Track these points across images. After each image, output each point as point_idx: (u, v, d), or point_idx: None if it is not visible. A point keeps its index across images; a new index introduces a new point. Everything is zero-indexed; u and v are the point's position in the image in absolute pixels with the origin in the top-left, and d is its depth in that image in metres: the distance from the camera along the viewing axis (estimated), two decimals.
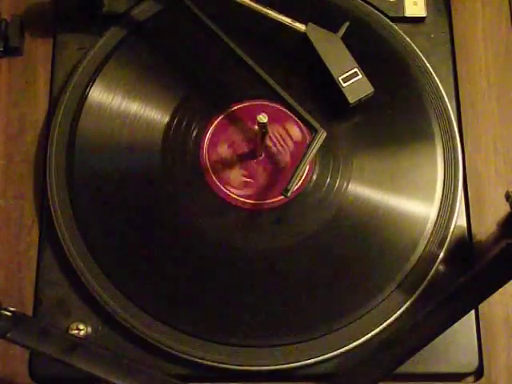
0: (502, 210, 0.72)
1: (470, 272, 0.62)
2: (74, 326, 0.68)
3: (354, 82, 0.73)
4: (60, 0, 0.78)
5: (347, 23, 0.75)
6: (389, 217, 0.71)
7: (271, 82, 0.71)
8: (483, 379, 0.68)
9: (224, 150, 0.73)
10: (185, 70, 0.76)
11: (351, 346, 0.67)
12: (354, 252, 0.70)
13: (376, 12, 0.78)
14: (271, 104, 0.75)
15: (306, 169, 0.71)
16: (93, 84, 0.75)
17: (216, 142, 0.74)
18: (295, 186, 0.68)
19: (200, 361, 0.67)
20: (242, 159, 0.73)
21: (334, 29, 0.75)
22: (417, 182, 0.72)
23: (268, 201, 0.71)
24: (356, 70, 0.73)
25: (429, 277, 0.69)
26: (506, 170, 0.74)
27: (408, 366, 0.65)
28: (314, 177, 0.72)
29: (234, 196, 0.71)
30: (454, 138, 0.74)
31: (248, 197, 0.72)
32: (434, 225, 0.71)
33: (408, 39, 0.77)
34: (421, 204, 0.71)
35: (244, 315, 0.68)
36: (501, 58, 0.78)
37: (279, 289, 0.69)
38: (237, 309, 0.68)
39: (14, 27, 0.77)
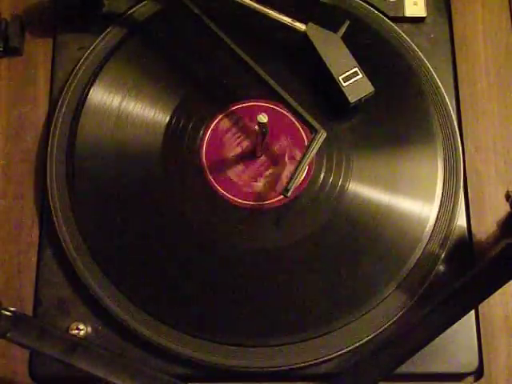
0: (502, 210, 0.72)
1: (470, 272, 0.62)
2: (73, 326, 0.68)
3: (354, 82, 0.73)
4: (60, 0, 0.78)
5: (347, 23, 0.75)
6: (389, 217, 0.71)
7: (271, 82, 0.71)
8: (483, 379, 0.68)
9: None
10: (185, 69, 0.76)
11: (351, 346, 0.67)
12: (354, 252, 0.70)
13: (376, 12, 0.78)
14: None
15: (305, 169, 0.71)
16: (93, 84, 0.75)
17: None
18: (295, 185, 0.68)
19: (200, 361, 0.67)
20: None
21: (334, 29, 0.75)
22: (417, 181, 0.72)
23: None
24: (356, 69, 0.73)
25: (429, 277, 0.69)
26: (506, 170, 0.74)
27: (408, 366, 0.65)
28: (314, 177, 0.72)
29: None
30: (454, 138, 0.74)
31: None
32: (434, 225, 0.71)
33: (408, 39, 0.77)
34: (421, 204, 0.71)
35: (244, 315, 0.68)
36: (501, 58, 0.78)
37: (279, 289, 0.69)
38: (237, 309, 0.68)
39: (14, 27, 0.77)
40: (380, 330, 0.67)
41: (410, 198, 0.72)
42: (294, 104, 0.70)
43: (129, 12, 0.78)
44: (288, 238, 0.70)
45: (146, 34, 0.77)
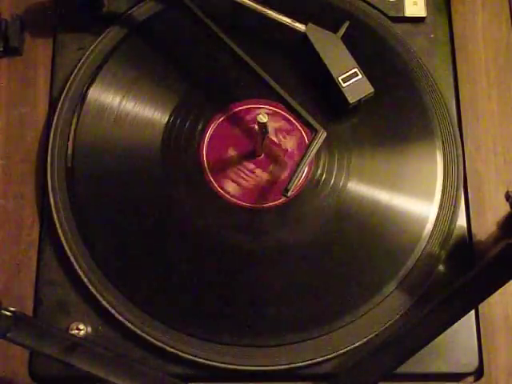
0: (502, 210, 0.72)
1: (470, 272, 0.62)
2: (73, 326, 0.68)
3: (353, 82, 0.73)
4: (60, 0, 0.78)
5: (347, 23, 0.75)
6: (389, 217, 0.71)
7: (271, 81, 0.71)
8: (483, 379, 0.68)
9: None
10: (185, 70, 0.76)
11: (351, 346, 0.67)
12: (354, 252, 0.70)
13: (376, 12, 0.78)
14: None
15: (305, 169, 0.71)
16: (93, 84, 0.75)
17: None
18: (295, 185, 0.68)
19: (200, 361, 0.67)
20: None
21: (333, 29, 0.75)
22: (417, 181, 0.72)
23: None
24: (356, 70, 0.73)
25: (429, 277, 0.69)
26: (506, 170, 0.74)
27: (408, 366, 0.65)
28: (314, 177, 0.72)
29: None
30: (454, 137, 0.74)
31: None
32: (434, 225, 0.71)
33: (408, 39, 0.77)
34: (421, 204, 0.71)
35: (244, 315, 0.68)
36: (501, 58, 0.78)
37: (279, 289, 0.69)
38: (237, 309, 0.68)
39: (14, 27, 0.77)
40: (380, 330, 0.67)
41: (410, 198, 0.72)
42: (294, 104, 0.70)
43: (129, 12, 0.78)
44: (288, 238, 0.70)
45: (146, 34, 0.77)
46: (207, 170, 0.72)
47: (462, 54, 0.78)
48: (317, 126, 0.69)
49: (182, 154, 0.73)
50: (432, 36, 0.78)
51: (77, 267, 0.69)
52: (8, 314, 0.60)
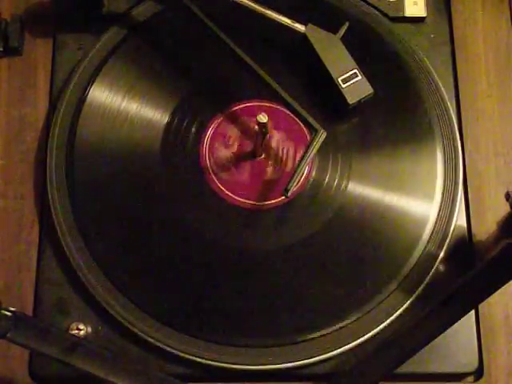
0: (502, 210, 0.72)
1: (470, 272, 0.62)
2: (73, 326, 0.68)
3: (353, 83, 0.73)
4: (60, 0, 0.78)
5: (347, 24, 0.75)
6: (389, 217, 0.71)
7: (271, 82, 0.71)
8: (483, 379, 0.68)
9: (224, 150, 0.73)
10: (185, 70, 0.76)
11: (351, 346, 0.67)
12: (354, 252, 0.70)
13: (376, 12, 0.78)
14: (271, 104, 0.75)
15: (305, 169, 0.71)
16: (93, 84, 0.75)
17: (216, 142, 0.74)
18: (295, 186, 0.68)
19: (200, 361, 0.67)
20: (242, 159, 0.73)
21: (333, 29, 0.75)
22: (417, 182, 0.72)
23: (268, 201, 0.71)
24: (355, 70, 0.73)
25: (429, 277, 0.69)
26: (506, 170, 0.74)
27: (408, 366, 0.65)
28: (314, 177, 0.72)
29: (234, 196, 0.71)
30: (454, 137, 0.74)
31: (248, 197, 0.72)
32: (434, 225, 0.71)
33: (408, 39, 0.77)
34: (421, 204, 0.71)
35: (244, 315, 0.68)
36: (501, 58, 0.78)
37: (279, 289, 0.69)
38: (236, 309, 0.68)
39: (14, 27, 0.77)
40: (380, 330, 0.67)
41: (410, 198, 0.72)
42: (294, 104, 0.70)
43: (129, 12, 0.78)
44: (288, 238, 0.70)
45: (146, 34, 0.77)
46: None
47: (462, 53, 0.78)
48: (317, 125, 0.69)
49: (183, 154, 0.73)
50: (432, 36, 0.78)
51: (77, 267, 0.69)
52: (8, 313, 0.60)
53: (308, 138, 0.73)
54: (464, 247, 0.71)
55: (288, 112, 0.73)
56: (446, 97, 0.75)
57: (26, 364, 0.68)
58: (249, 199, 0.71)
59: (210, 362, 0.66)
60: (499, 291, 0.60)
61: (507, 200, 0.67)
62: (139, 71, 0.76)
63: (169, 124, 0.74)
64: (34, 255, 0.71)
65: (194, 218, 0.71)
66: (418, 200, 0.72)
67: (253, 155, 0.73)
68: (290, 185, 0.67)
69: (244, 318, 0.68)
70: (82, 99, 0.74)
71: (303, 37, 0.74)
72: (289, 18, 0.74)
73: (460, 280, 0.62)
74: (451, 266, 0.70)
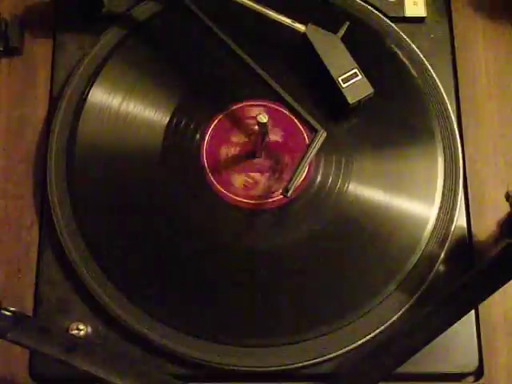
0: (502, 210, 0.72)
1: (470, 272, 0.62)
2: (73, 326, 0.68)
3: (353, 83, 0.73)
4: (60, 0, 0.78)
5: (347, 23, 0.75)
6: (389, 217, 0.71)
7: (271, 81, 0.71)
8: (483, 379, 0.68)
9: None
10: (185, 69, 0.76)
11: (351, 346, 0.67)
12: (354, 252, 0.70)
13: (376, 12, 0.78)
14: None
15: (305, 169, 0.71)
16: (93, 84, 0.75)
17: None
18: (295, 186, 0.68)
19: (200, 361, 0.67)
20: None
21: (333, 29, 0.75)
22: (417, 182, 0.72)
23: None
24: (356, 70, 0.73)
25: (429, 277, 0.69)
26: (506, 170, 0.74)
27: (408, 366, 0.65)
28: (314, 177, 0.72)
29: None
30: (454, 138, 0.74)
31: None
32: (434, 225, 0.71)
33: (408, 39, 0.77)
34: (421, 204, 0.71)
35: (244, 315, 0.68)
36: (501, 58, 0.78)
37: (279, 289, 0.69)
38: (236, 309, 0.68)
39: (13, 27, 0.77)
40: (380, 330, 0.67)
41: (410, 198, 0.72)
42: (294, 104, 0.70)
43: (128, 12, 0.78)
44: (288, 238, 0.70)
45: (146, 34, 0.77)
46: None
47: (462, 54, 0.78)
48: (317, 126, 0.69)
49: (183, 155, 0.73)
50: (432, 36, 0.78)
51: (77, 267, 0.69)
52: (8, 313, 0.60)
53: (308, 138, 0.73)
54: (464, 247, 0.71)
55: (288, 112, 0.73)
56: (446, 97, 0.75)
57: (26, 364, 0.68)
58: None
59: (209, 362, 0.66)
60: (499, 291, 0.60)
61: (507, 200, 0.67)
62: (139, 71, 0.76)
63: (169, 124, 0.74)
64: (33, 255, 0.71)
65: (194, 218, 0.71)
66: (418, 200, 0.72)
67: (253, 155, 0.73)
68: (290, 185, 0.67)
69: (244, 317, 0.68)
70: (81, 99, 0.74)
71: (303, 37, 0.74)
72: (289, 17, 0.74)
73: (460, 280, 0.62)
74: (451, 266, 0.70)
